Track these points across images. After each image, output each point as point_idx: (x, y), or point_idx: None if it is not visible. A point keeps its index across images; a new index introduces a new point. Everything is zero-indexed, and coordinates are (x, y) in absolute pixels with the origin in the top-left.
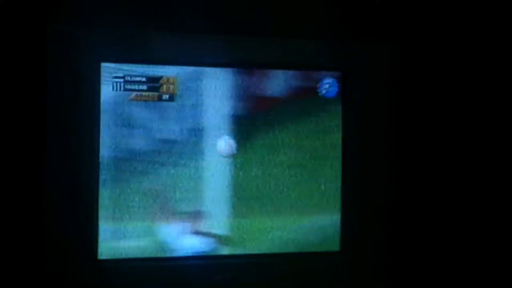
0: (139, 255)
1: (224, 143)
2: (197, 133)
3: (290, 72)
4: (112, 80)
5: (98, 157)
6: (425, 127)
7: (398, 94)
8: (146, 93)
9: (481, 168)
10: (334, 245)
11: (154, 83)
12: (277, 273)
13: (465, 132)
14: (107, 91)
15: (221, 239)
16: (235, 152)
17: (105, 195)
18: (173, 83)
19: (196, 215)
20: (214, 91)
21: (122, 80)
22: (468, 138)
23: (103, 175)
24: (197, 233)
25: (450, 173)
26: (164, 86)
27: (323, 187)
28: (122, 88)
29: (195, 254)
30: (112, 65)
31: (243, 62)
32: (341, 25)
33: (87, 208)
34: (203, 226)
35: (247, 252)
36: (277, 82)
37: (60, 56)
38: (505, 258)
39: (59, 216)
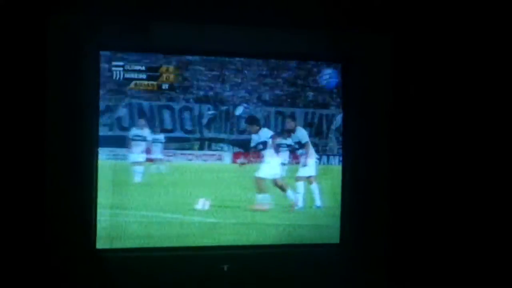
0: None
1: None
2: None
3: (291, 63)
4: (112, 69)
5: (97, 146)
6: (425, 119)
7: (398, 84)
8: (146, 82)
9: (480, 160)
10: (334, 238)
11: (153, 72)
12: (279, 263)
13: (466, 125)
14: (106, 80)
15: None
16: None
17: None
18: (172, 73)
19: None
20: (214, 81)
21: (121, 69)
22: (468, 131)
23: (102, 162)
24: None
25: (449, 168)
26: (164, 76)
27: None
28: (121, 77)
29: (196, 245)
30: (111, 53)
31: (244, 52)
32: (342, 17)
33: (85, 197)
34: None
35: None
36: (278, 72)
37: (61, 45)
38: (500, 252)
39: (58, 206)
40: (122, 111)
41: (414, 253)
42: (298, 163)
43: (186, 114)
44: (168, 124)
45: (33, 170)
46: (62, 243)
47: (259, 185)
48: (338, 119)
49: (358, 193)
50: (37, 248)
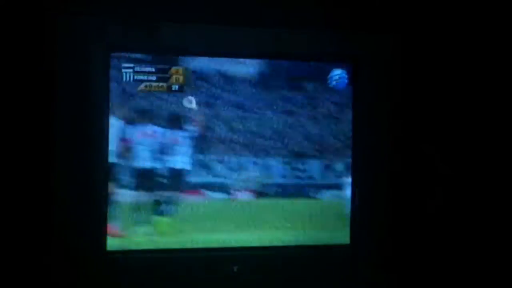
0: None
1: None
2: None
3: (300, 64)
4: (122, 71)
5: (107, 147)
6: (434, 118)
7: (407, 84)
8: (155, 84)
9: (489, 161)
10: (344, 239)
11: (163, 73)
12: (288, 264)
13: (475, 125)
14: (116, 81)
15: None
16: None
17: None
18: (182, 74)
19: None
20: (225, 82)
21: (131, 70)
22: (477, 131)
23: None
24: None
25: (457, 168)
26: (174, 77)
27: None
28: (131, 79)
29: (204, 247)
30: (122, 55)
31: (254, 53)
32: (352, 18)
33: (96, 199)
34: None
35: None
36: (287, 74)
37: (70, 46)
38: (504, 256)
39: (68, 208)
40: None
41: (423, 254)
42: None
43: None
44: None
45: (42, 171)
46: (71, 244)
47: None
48: None
49: (367, 192)
50: (45, 250)
